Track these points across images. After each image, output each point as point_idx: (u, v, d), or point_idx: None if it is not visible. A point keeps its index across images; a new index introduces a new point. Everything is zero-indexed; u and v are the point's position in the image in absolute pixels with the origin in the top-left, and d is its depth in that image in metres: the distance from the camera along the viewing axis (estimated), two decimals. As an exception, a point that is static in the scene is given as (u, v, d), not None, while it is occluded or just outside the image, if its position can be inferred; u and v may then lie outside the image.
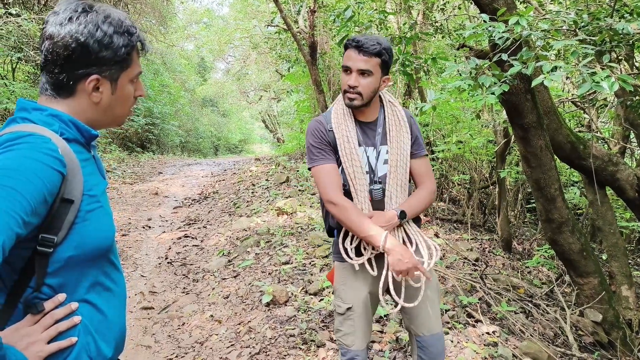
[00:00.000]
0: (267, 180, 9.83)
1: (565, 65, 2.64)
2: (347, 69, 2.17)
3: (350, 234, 2.22)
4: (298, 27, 10.35)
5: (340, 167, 2.22)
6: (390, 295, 2.26)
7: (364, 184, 2.20)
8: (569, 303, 4.31)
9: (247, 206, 7.91)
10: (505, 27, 2.89)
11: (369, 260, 2.21)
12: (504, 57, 2.86)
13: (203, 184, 10.93)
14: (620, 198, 5.04)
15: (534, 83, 2.68)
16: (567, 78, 6.57)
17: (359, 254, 2.22)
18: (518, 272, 6.01)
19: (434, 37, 7.45)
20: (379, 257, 2.21)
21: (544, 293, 4.97)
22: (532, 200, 8.51)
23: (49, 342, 1.15)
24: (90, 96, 1.24)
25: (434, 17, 7.86)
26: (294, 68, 13.25)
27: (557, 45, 2.77)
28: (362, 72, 2.13)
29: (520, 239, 8.23)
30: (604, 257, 5.89)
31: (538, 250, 6.96)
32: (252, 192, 8.98)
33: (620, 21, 2.91)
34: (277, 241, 5.71)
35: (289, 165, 11.29)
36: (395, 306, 2.23)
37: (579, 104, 6.18)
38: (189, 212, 8.22)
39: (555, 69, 2.59)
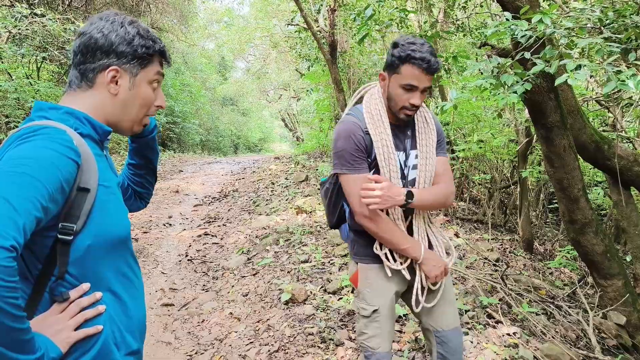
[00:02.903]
0: (286, 178, 9.86)
1: (589, 64, 2.59)
2: (411, 87, 2.04)
3: None
4: (318, 26, 10.35)
5: (372, 172, 2.15)
6: (402, 298, 2.28)
7: None
8: (592, 305, 4.24)
9: (267, 204, 7.95)
10: (529, 25, 2.85)
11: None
12: (527, 55, 2.82)
13: (223, 182, 11.00)
14: (645, 199, 4.94)
15: (557, 82, 2.64)
16: (590, 76, 6.46)
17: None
18: (539, 273, 5.93)
19: (455, 35, 7.37)
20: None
21: (566, 295, 4.89)
22: (554, 201, 8.38)
23: (76, 330, 1.18)
24: (108, 86, 1.30)
25: (455, 15, 7.78)
26: (314, 67, 13.25)
27: (582, 44, 2.72)
28: (424, 90, 2.06)
29: (542, 240, 8.11)
30: (628, 258, 5.78)
31: (560, 251, 6.85)
32: (272, 191, 9.02)
33: (647, 18, 2.85)
34: (296, 240, 5.73)
35: (308, 164, 11.30)
36: (417, 306, 2.23)
37: (603, 103, 6.07)
38: (209, 210, 8.29)
39: (579, 67, 2.55)
